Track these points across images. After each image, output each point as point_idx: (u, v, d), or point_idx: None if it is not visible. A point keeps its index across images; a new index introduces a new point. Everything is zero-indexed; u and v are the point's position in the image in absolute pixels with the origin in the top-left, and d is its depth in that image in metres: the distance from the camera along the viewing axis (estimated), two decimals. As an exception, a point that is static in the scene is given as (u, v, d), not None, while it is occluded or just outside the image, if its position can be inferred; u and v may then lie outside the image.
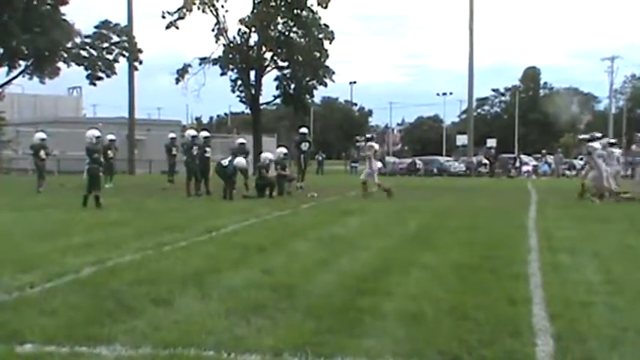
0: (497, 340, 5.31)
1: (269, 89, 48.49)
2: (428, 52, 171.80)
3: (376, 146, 22.04)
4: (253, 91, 46.13)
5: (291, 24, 45.57)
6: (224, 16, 45.05)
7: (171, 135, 25.74)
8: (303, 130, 24.94)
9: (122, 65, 45.50)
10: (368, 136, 23.61)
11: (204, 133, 22.77)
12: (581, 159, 21.56)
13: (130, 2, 43.67)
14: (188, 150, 21.66)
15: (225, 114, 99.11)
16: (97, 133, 17.16)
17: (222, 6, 44.74)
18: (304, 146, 23.99)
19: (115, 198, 18.71)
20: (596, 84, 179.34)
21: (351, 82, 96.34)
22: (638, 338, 5.47)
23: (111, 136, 26.20)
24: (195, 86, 46.10)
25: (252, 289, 6.93)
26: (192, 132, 23.44)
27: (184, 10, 44.19)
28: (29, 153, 23.09)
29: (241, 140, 24.79)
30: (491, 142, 64.11)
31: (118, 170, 29.10)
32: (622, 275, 8.00)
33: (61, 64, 43.70)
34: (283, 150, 22.08)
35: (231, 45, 45.59)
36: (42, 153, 22.47)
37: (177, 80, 45.85)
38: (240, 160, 20.12)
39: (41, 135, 23.14)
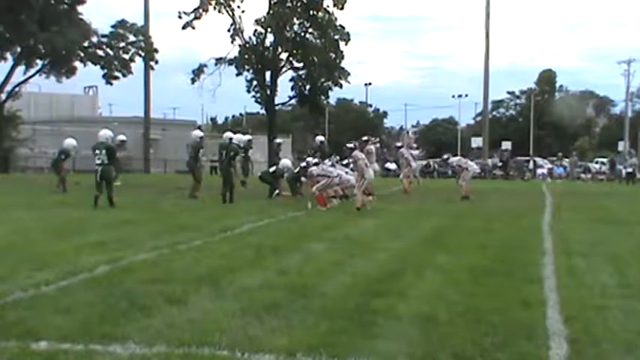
0: (512, 343, 5.30)
1: (284, 90, 48.47)
2: (443, 54, 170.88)
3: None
4: (269, 92, 46.12)
5: (307, 25, 45.51)
6: (240, 17, 45.06)
7: (248, 137, 25.27)
8: (320, 138, 24.74)
9: (138, 65, 45.74)
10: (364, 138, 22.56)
11: (243, 136, 23.11)
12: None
13: (147, 2, 43.91)
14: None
15: (241, 114, 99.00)
16: (110, 133, 17.90)
17: (239, 6, 44.70)
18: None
19: (130, 197, 18.78)
20: (612, 87, 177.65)
21: (366, 84, 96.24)
22: (653, 343, 5.43)
23: (122, 137, 26.43)
24: (211, 86, 46.14)
25: (266, 290, 6.95)
26: (230, 134, 23.66)
27: (200, 10, 44.28)
28: (59, 158, 23.37)
29: (248, 137, 24.86)
30: (507, 145, 63.77)
31: (131, 169, 29.20)
32: (637, 278, 7.96)
33: (77, 63, 43.81)
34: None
35: (247, 45, 45.59)
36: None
37: (193, 80, 45.87)
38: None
39: (73, 142, 23.66)
